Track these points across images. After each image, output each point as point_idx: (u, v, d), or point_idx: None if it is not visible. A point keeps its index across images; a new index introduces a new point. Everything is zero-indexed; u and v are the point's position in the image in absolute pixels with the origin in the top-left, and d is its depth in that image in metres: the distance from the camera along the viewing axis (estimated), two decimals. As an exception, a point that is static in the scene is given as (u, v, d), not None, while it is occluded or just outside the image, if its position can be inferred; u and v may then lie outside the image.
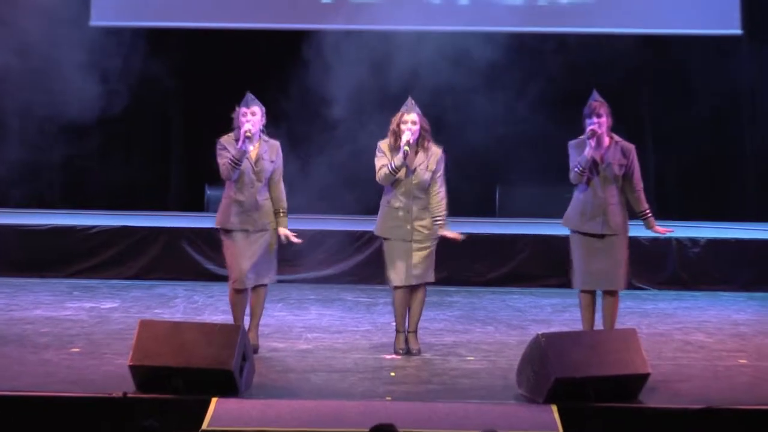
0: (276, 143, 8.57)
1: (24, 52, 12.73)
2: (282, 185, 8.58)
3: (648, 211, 8.41)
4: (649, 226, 8.46)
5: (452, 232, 8.49)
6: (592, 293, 8.39)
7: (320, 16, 13.35)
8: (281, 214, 8.56)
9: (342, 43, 13.04)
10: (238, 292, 8.46)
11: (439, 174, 8.46)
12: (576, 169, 8.23)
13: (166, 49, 13.59)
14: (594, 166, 8.25)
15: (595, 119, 8.21)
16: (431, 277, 8.50)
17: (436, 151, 8.48)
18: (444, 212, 8.46)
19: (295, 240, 8.55)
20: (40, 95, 13.12)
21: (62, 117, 13.21)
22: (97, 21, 13.59)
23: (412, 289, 8.50)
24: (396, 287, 8.47)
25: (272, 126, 8.66)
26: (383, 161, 8.41)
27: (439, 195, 8.46)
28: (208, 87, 13.69)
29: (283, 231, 8.54)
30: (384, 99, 11.97)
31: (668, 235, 9.02)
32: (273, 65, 13.22)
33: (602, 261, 8.28)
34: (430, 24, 13.35)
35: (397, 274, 8.44)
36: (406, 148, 8.28)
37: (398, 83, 12.11)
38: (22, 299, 10.53)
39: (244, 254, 8.39)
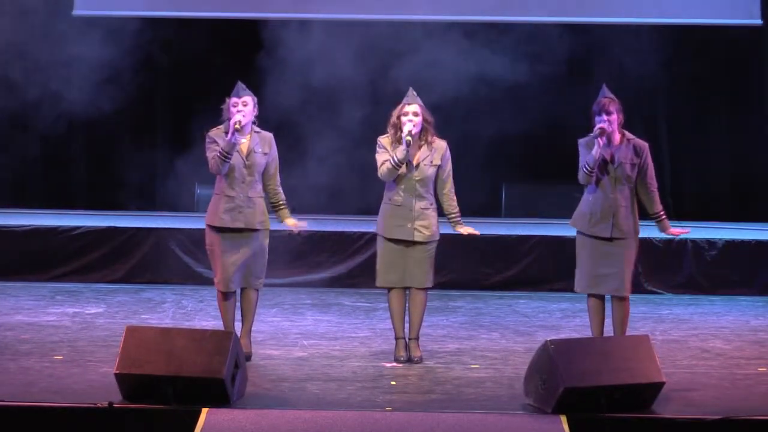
0: (269, 135, 8.59)
1: (1, 44, 12.78)
2: (278, 178, 8.61)
3: (662, 212, 8.41)
4: (663, 229, 8.46)
5: (468, 229, 8.55)
6: (601, 298, 8.41)
7: (316, 5, 13.35)
8: (281, 207, 8.60)
9: (339, 35, 13.08)
10: (226, 296, 8.49)
11: (447, 171, 8.50)
12: (585, 169, 8.24)
13: (152, 42, 13.59)
14: (604, 165, 8.26)
15: (604, 116, 8.22)
16: (430, 282, 8.52)
17: (440, 145, 8.49)
18: (458, 209, 8.53)
19: (303, 226, 8.59)
20: (19, 91, 13.15)
21: (44, 113, 13.25)
22: (80, 11, 13.60)
23: (410, 294, 8.51)
24: (390, 288, 8.48)
25: (265, 122, 8.69)
26: (384, 156, 8.42)
27: (451, 192, 8.52)
28: (198, 79, 13.72)
29: (291, 221, 8.59)
30: (383, 93, 12.03)
31: (684, 236, 9.03)
32: (266, 57, 13.23)
33: (609, 265, 8.29)
34: (434, 14, 13.37)
35: (393, 274, 8.44)
36: (408, 138, 8.29)
37: (398, 77, 12.15)
38: (1, 304, 10.54)
39: (230, 254, 8.40)
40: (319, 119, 13.32)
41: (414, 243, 8.43)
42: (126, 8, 13.58)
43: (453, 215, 8.55)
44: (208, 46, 13.90)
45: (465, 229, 8.57)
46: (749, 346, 9.26)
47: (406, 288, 8.50)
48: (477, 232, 8.64)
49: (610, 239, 8.29)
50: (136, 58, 13.41)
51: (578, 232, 8.43)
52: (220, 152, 8.34)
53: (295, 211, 8.77)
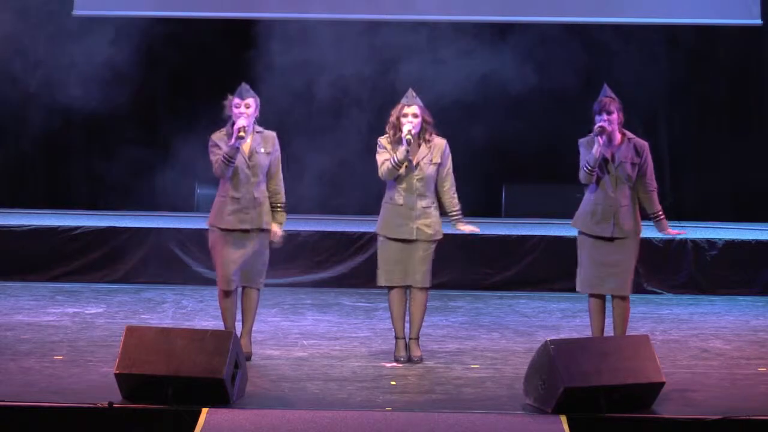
0: (272, 134, 8.55)
1: (1, 44, 12.78)
2: (280, 178, 8.57)
3: (661, 212, 8.42)
4: (661, 229, 8.48)
5: (469, 226, 8.57)
6: (602, 298, 8.42)
7: (316, 5, 13.35)
8: (278, 209, 8.56)
9: (340, 34, 13.07)
10: (227, 295, 8.48)
11: (447, 168, 8.51)
12: (585, 168, 8.25)
13: (152, 41, 13.58)
14: (605, 165, 8.27)
15: (605, 116, 8.23)
16: (429, 282, 8.52)
17: (439, 143, 8.50)
18: (459, 206, 8.54)
19: (276, 240, 8.53)
20: (19, 90, 13.15)
21: (43, 112, 13.24)
22: (80, 10, 13.60)
23: (411, 294, 8.51)
24: (391, 288, 8.48)
25: (265, 120, 8.68)
26: (384, 156, 8.43)
27: (451, 190, 8.54)
28: (198, 78, 13.71)
29: (275, 228, 8.54)
30: (384, 92, 12.02)
31: (681, 236, 9.03)
32: (266, 56, 13.23)
33: (610, 265, 8.30)
34: (434, 15, 13.37)
35: (393, 274, 8.45)
36: (409, 137, 8.31)
37: (399, 77, 12.15)
38: (1, 304, 10.54)
39: (232, 252, 8.39)
40: (319, 118, 13.31)
41: (416, 241, 8.43)
42: (126, 8, 13.57)
43: (454, 212, 8.56)
44: (208, 46, 13.89)
45: (466, 227, 8.59)
46: (749, 346, 9.26)
47: (406, 288, 8.50)
48: (477, 230, 8.71)
49: (611, 239, 8.30)
50: (136, 57, 13.39)
51: (579, 232, 8.44)
52: (223, 157, 8.32)
53: (295, 210, 8.77)
